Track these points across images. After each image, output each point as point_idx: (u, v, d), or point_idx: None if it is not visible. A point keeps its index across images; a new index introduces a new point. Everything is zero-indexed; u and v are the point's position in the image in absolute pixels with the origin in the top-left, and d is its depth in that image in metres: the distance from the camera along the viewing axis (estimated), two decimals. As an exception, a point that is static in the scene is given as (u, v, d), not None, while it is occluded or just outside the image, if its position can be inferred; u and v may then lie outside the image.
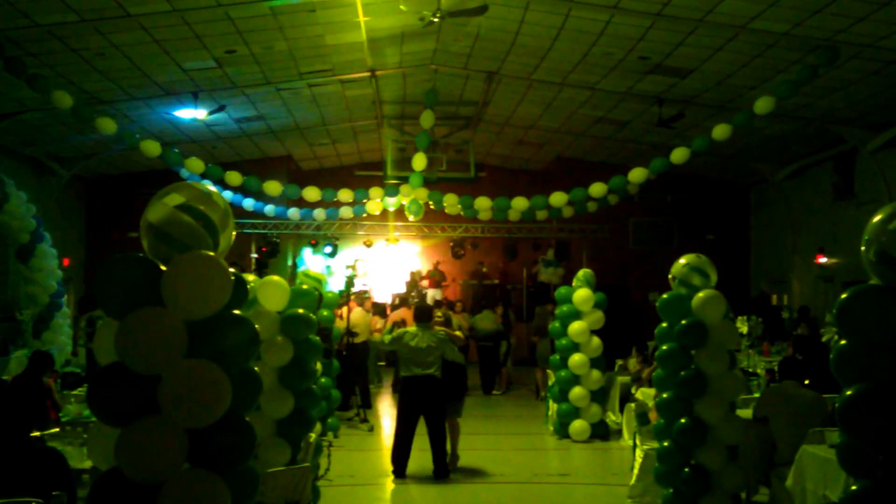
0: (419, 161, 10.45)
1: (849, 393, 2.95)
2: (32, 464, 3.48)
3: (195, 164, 10.29)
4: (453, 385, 6.87)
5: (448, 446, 6.81)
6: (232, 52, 8.68)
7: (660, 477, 4.97)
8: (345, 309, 9.40)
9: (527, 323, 13.33)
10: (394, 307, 12.97)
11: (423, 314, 6.89)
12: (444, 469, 6.67)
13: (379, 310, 12.33)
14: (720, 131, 8.94)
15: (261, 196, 11.51)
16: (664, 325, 5.00)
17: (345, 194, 10.97)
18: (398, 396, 7.10)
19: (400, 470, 6.68)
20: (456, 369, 6.91)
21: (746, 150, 12.35)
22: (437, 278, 15.03)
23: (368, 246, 14.59)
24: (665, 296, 5.01)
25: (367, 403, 9.61)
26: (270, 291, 4.80)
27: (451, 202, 10.94)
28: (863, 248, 3.03)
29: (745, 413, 5.63)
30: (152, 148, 9.75)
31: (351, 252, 14.78)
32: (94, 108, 8.98)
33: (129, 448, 2.74)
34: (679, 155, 9.50)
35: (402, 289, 14.75)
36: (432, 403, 6.63)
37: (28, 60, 7.75)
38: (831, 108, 9.72)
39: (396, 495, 6.45)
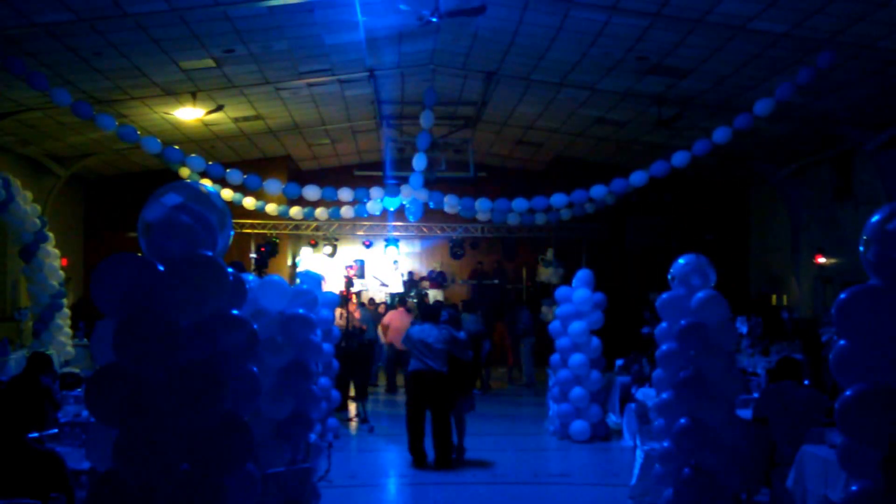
0: (420, 161, 10.44)
1: (848, 393, 2.95)
2: (30, 465, 3.47)
3: (195, 164, 10.28)
4: (463, 382, 7.10)
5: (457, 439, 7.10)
6: (230, 51, 8.67)
7: (660, 477, 4.97)
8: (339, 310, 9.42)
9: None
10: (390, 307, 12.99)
11: (431, 313, 7.25)
12: (446, 460, 6.84)
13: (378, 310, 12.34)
14: (721, 134, 8.94)
15: (261, 196, 11.50)
16: (664, 325, 4.99)
17: (345, 193, 10.97)
18: (406, 389, 7.33)
19: (418, 460, 6.92)
20: (465, 367, 7.14)
21: (746, 151, 12.35)
22: (438, 279, 15.02)
23: (368, 246, 14.59)
24: (664, 296, 5.01)
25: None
26: (270, 291, 4.79)
27: (450, 203, 10.94)
28: (861, 248, 3.03)
29: (745, 413, 5.63)
30: (152, 145, 9.74)
31: (350, 252, 14.79)
32: (92, 106, 8.97)
33: (128, 449, 2.73)
34: (680, 158, 9.50)
35: (401, 289, 14.75)
36: (437, 397, 6.88)
37: (26, 59, 7.74)
38: (830, 109, 9.73)
39: (397, 496, 6.45)
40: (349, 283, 10.32)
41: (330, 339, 7.57)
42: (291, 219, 12.27)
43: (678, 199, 15.17)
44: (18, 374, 5.99)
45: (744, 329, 10.01)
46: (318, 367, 6.75)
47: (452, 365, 6.96)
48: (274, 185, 10.79)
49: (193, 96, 9.87)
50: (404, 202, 10.98)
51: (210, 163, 10.43)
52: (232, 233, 3.21)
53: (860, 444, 2.93)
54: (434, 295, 14.63)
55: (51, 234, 10.00)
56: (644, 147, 12.75)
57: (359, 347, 9.36)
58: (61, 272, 10.27)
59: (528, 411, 10.23)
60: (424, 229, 13.88)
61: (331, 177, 14.19)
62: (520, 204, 10.75)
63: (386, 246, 14.36)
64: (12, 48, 7.56)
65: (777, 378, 5.56)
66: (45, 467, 3.47)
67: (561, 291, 8.55)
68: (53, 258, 10.01)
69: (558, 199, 10.61)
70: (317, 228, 13.52)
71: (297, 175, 14.90)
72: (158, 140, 9.92)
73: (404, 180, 10.82)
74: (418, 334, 6.99)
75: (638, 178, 10.03)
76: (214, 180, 10.55)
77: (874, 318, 2.92)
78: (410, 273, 15.28)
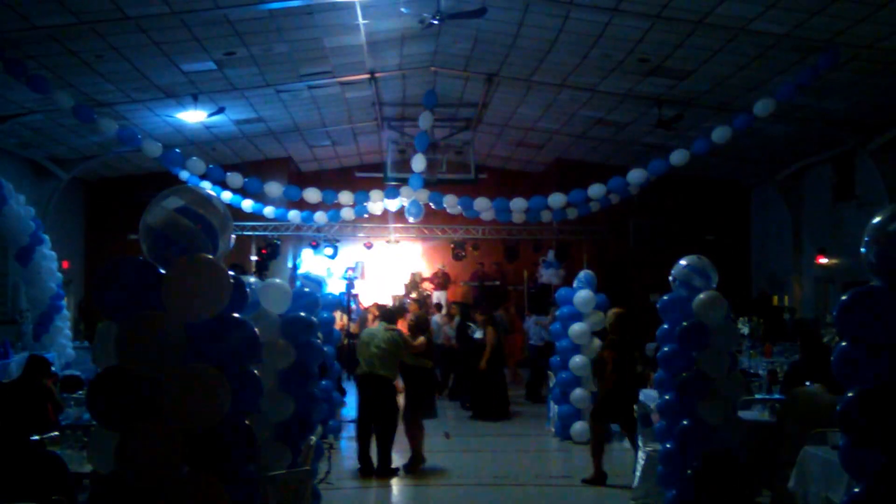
0: (419, 162, 10.45)
1: (850, 394, 2.94)
2: (32, 468, 3.47)
3: (195, 166, 10.30)
4: (418, 389, 6.95)
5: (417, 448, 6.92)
6: (231, 54, 8.68)
7: (662, 479, 4.96)
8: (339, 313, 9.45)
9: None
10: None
11: (387, 314, 7.13)
12: (385, 470, 6.72)
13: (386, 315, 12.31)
14: (720, 133, 8.93)
15: (261, 198, 11.51)
16: (665, 326, 4.99)
17: (345, 196, 10.98)
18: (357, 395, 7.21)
19: (364, 469, 6.74)
20: (421, 373, 6.98)
21: (747, 151, 12.34)
22: (441, 281, 15.00)
23: (369, 248, 14.59)
24: (666, 297, 5.00)
25: None
26: (271, 294, 4.79)
27: (450, 203, 10.95)
28: (863, 249, 3.02)
29: (747, 414, 5.61)
30: (153, 149, 9.76)
31: (351, 253, 14.78)
32: (94, 109, 8.99)
33: (129, 452, 2.73)
34: (678, 157, 9.49)
35: (401, 290, 14.73)
36: (379, 403, 6.73)
37: (27, 63, 7.76)
38: (831, 109, 9.73)
39: (397, 498, 6.44)
40: (350, 285, 10.32)
41: (331, 340, 7.58)
42: (291, 221, 12.28)
43: (680, 200, 15.15)
44: (17, 378, 5.98)
45: (745, 330, 9.97)
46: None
47: (408, 370, 6.86)
48: (274, 188, 10.80)
49: (194, 98, 9.89)
50: (404, 203, 10.99)
51: (210, 165, 10.45)
52: (233, 235, 3.21)
53: (862, 446, 2.92)
54: (437, 296, 14.61)
55: (46, 237, 9.99)
56: (645, 148, 12.75)
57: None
58: (59, 274, 10.27)
59: (529, 412, 10.22)
60: (426, 231, 13.88)
61: (332, 178, 14.20)
62: (518, 204, 10.75)
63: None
64: (14, 51, 7.58)
65: (794, 382, 5.52)
66: (46, 470, 3.47)
67: (562, 293, 8.54)
68: (50, 260, 10.01)
69: (556, 199, 10.62)
70: (318, 230, 13.52)
71: (298, 177, 14.91)
72: (159, 143, 9.93)
73: (405, 182, 10.83)
74: (365, 336, 6.93)
75: (636, 176, 10.02)
76: (214, 183, 10.56)
77: (876, 319, 2.92)
78: (413, 274, 15.27)
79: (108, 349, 2.84)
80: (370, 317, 11.73)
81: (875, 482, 2.87)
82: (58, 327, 10.01)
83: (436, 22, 7.76)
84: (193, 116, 10.31)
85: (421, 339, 7.04)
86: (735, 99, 9.75)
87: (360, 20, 8.26)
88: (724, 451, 4.51)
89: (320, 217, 11.74)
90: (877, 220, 2.98)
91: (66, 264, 11.79)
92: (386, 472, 6.73)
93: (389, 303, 14.00)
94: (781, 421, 5.12)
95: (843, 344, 3.02)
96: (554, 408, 8.55)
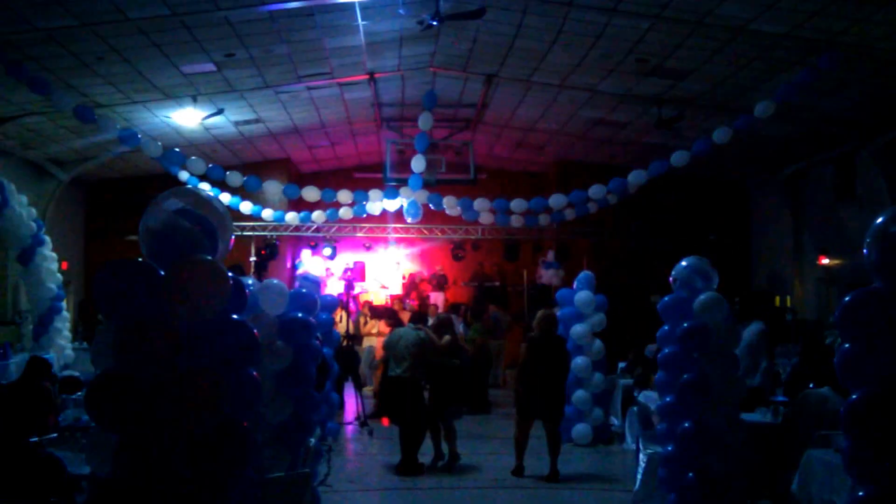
0: (419, 163, 10.44)
1: (853, 397, 2.93)
2: (31, 470, 3.46)
3: (195, 167, 10.29)
4: (447, 388, 6.96)
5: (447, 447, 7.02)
6: (231, 55, 8.68)
7: (663, 482, 4.94)
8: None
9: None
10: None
11: (416, 316, 7.31)
12: (408, 467, 6.80)
13: (378, 313, 12.33)
14: (720, 134, 8.93)
15: (260, 198, 11.50)
16: (665, 327, 4.97)
17: (344, 195, 10.98)
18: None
19: (403, 466, 6.91)
20: (447, 373, 7.00)
21: (747, 151, 12.33)
22: (440, 282, 14.98)
23: (368, 248, 14.58)
24: (666, 298, 4.99)
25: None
26: (269, 295, 4.77)
27: (450, 205, 10.94)
28: (864, 250, 3.01)
29: (749, 417, 5.59)
30: (154, 149, 9.75)
31: (350, 254, 14.76)
32: (94, 110, 8.98)
33: (128, 454, 2.72)
34: (679, 158, 9.50)
35: (401, 291, 14.72)
36: (404, 403, 6.82)
37: (28, 64, 7.76)
38: (832, 109, 9.72)
39: (396, 500, 6.42)
40: (349, 285, 10.31)
41: (330, 341, 7.56)
42: (289, 222, 12.27)
43: (680, 201, 15.12)
44: (18, 379, 5.97)
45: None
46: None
47: (435, 371, 6.90)
48: (273, 187, 10.79)
49: (194, 100, 9.88)
50: (403, 204, 10.98)
51: (210, 165, 10.44)
52: (233, 237, 3.20)
53: (866, 449, 2.91)
54: (435, 298, 14.59)
55: (48, 238, 9.99)
56: (645, 148, 12.74)
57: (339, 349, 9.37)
58: (59, 275, 10.26)
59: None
60: (425, 231, 13.86)
61: (331, 179, 14.17)
62: (518, 205, 10.75)
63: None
64: (15, 52, 7.58)
65: (797, 384, 5.49)
66: (45, 472, 3.46)
67: (562, 293, 8.52)
68: (51, 261, 10.00)
69: (557, 199, 10.62)
70: (316, 231, 13.51)
71: (298, 177, 14.90)
72: (160, 144, 9.93)
73: (404, 182, 10.82)
74: (391, 339, 7.00)
75: (636, 177, 10.02)
76: (214, 183, 10.54)
77: (878, 320, 2.90)
78: (412, 276, 15.25)
79: (107, 351, 2.83)
80: (362, 319, 11.74)
81: (879, 486, 2.85)
82: (57, 328, 10.00)
83: (434, 24, 7.74)
84: (193, 118, 10.30)
85: (446, 337, 7.10)
86: (735, 99, 9.74)
87: (360, 21, 8.25)
88: None
89: (318, 216, 11.72)
90: (878, 220, 2.97)
91: (65, 265, 11.77)
92: (411, 469, 6.80)
93: (387, 304, 14.02)
94: (789, 423, 5.10)
95: (846, 346, 3.01)
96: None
